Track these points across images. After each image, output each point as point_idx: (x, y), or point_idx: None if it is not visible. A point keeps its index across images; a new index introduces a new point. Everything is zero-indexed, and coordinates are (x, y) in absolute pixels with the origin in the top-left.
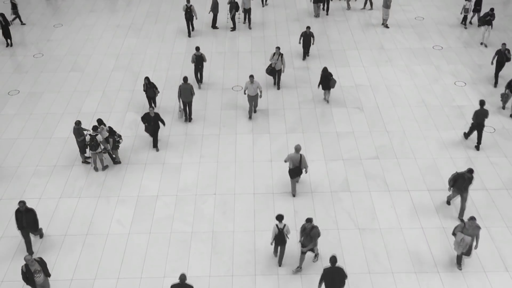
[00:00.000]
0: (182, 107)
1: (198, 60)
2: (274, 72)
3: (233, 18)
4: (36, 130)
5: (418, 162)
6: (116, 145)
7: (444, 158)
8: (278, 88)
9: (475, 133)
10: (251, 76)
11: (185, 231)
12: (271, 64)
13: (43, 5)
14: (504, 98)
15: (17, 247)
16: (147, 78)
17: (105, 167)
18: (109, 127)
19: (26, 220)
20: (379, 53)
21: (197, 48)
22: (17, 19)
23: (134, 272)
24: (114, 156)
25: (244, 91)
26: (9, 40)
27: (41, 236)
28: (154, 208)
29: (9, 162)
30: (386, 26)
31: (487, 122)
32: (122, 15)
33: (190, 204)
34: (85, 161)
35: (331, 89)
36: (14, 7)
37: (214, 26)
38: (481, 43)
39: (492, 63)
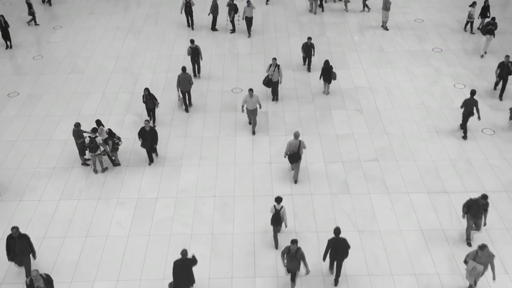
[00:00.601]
0: (181, 96)
1: (194, 52)
2: (271, 83)
3: (232, 20)
4: (35, 132)
5: (418, 164)
6: (115, 147)
7: (444, 160)
8: (276, 100)
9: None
10: (250, 90)
11: (185, 233)
12: (268, 76)
13: (43, 7)
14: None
15: None
16: (147, 90)
17: (104, 169)
18: (109, 129)
19: (20, 247)
20: (379, 55)
21: (192, 41)
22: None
23: (134, 274)
24: (113, 158)
25: (242, 106)
26: (8, 42)
27: (34, 258)
28: (154, 210)
29: (9, 164)
30: (386, 28)
31: (487, 123)
32: (122, 17)
33: (190, 206)
34: (85, 163)
35: (332, 82)
36: (30, 6)
37: (213, 28)
38: (485, 53)
39: (496, 77)
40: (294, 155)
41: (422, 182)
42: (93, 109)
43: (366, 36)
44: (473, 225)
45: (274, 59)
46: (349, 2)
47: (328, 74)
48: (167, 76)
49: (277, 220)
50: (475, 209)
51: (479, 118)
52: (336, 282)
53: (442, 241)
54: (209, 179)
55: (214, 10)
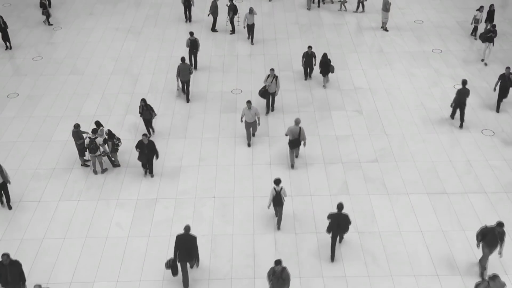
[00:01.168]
0: (180, 86)
1: (193, 44)
2: (267, 94)
3: (231, 21)
4: (35, 133)
5: (417, 165)
6: (115, 148)
7: (443, 161)
8: (272, 110)
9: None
10: (249, 102)
11: None
12: (264, 86)
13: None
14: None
15: (17, 248)
16: (143, 100)
17: (104, 170)
18: (108, 130)
19: (11, 274)
20: (379, 56)
21: (191, 33)
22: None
23: (133, 275)
24: (113, 159)
25: (241, 118)
26: (8, 43)
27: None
28: (154, 211)
29: (8, 165)
30: (386, 29)
31: (487, 124)
32: (122, 18)
33: (189, 207)
34: (84, 164)
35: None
36: (44, 6)
37: (213, 29)
38: (482, 60)
39: (494, 89)
40: (295, 141)
41: (421, 183)
42: (92, 110)
43: (366, 37)
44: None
45: (272, 69)
46: (346, 2)
47: (326, 66)
48: (167, 77)
49: (279, 201)
50: (491, 238)
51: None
52: (332, 257)
53: (442, 242)
54: (208, 180)
55: (214, 11)
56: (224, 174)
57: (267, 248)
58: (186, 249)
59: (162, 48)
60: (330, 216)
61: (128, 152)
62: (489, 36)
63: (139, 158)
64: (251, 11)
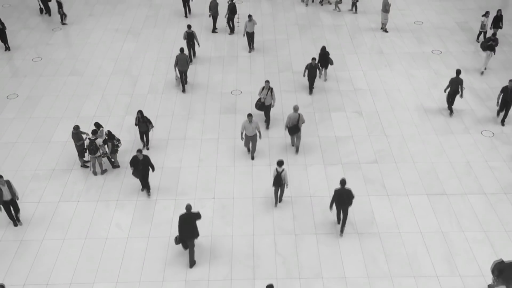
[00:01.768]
0: (178, 75)
1: (190, 37)
2: (263, 107)
3: (229, 22)
4: (34, 134)
5: (417, 166)
6: (115, 149)
7: (443, 162)
8: (267, 127)
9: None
10: (249, 115)
11: None
12: (260, 99)
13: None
14: None
15: (16, 249)
16: (140, 112)
17: (104, 171)
18: (108, 131)
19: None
20: (378, 57)
21: (189, 26)
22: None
23: (133, 276)
24: (113, 160)
25: (242, 133)
26: (6, 44)
27: None
28: (153, 212)
29: (8, 166)
30: (385, 31)
31: (486, 125)
32: (121, 19)
33: None
34: (84, 165)
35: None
36: (60, 6)
37: (214, 30)
38: (485, 69)
39: (498, 103)
40: (294, 128)
41: (421, 184)
42: (92, 111)
43: (366, 38)
44: None
45: (267, 81)
46: (340, 3)
47: (325, 59)
48: (166, 78)
49: (278, 181)
50: (509, 274)
51: (461, 96)
52: (342, 230)
53: (441, 243)
54: (208, 181)
55: (215, 11)
56: (223, 175)
57: (267, 249)
58: (187, 229)
59: (162, 49)
60: (334, 191)
61: (128, 153)
62: (489, 45)
63: (133, 174)
64: (250, 19)
